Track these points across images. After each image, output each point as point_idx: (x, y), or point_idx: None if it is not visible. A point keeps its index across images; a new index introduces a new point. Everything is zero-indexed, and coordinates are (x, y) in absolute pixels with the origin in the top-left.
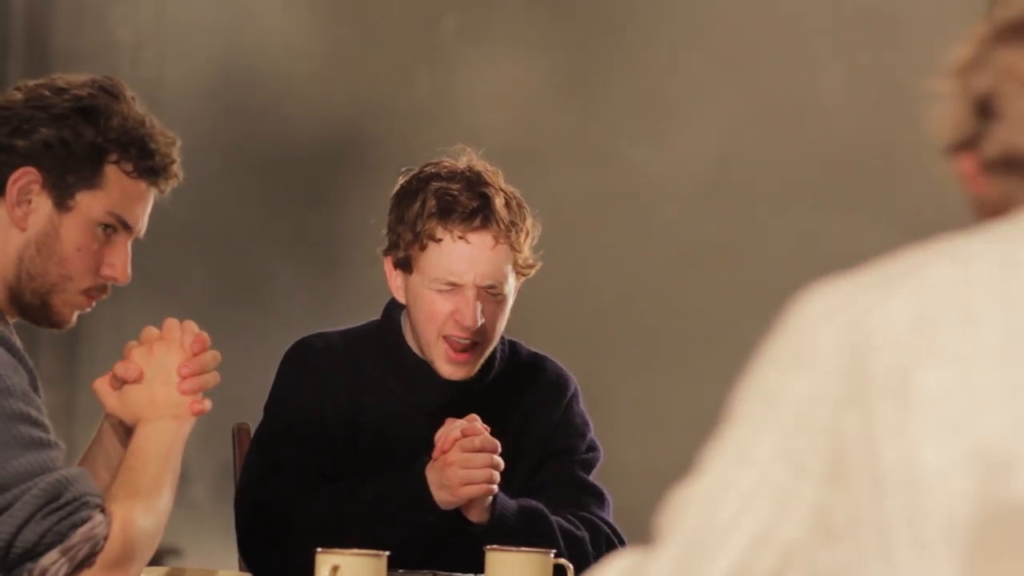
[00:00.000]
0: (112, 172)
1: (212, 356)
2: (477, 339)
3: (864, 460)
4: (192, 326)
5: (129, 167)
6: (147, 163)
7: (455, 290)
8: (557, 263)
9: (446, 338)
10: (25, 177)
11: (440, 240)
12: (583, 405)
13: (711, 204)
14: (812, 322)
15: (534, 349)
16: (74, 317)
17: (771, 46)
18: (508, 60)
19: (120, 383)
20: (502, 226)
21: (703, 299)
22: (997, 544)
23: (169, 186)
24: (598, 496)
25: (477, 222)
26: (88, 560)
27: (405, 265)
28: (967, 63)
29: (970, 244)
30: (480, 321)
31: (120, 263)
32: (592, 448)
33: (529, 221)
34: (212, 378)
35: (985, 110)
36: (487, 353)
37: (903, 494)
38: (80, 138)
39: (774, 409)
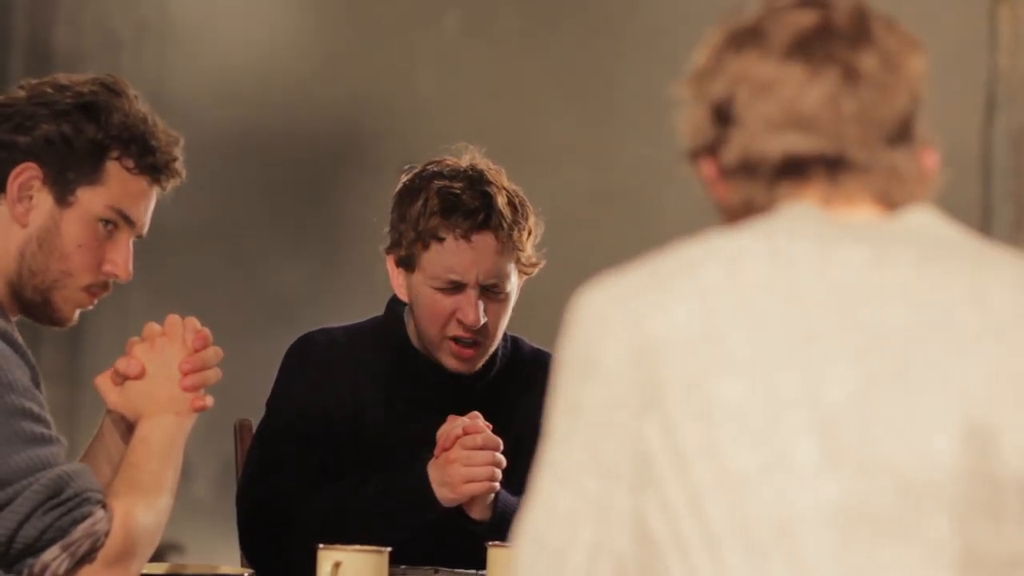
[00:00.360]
0: (113, 168)
1: (214, 352)
2: (480, 338)
3: (674, 473)
4: (194, 322)
5: (130, 163)
6: (148, 160)
7: (457, 289)
8: (559, 260)
9: (451, 339)
10: (26, 173)
11: (443, 239)
12: None
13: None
14: (594, 328)
15: (537, 346)
16: (76, 315)
17: None
18: (509, 58)
19: (122, 379)
20: (504, 225)
21: None
22: (849, 537)
23: (171, 184)
24: None
25: (479, 221)
26: (89, 556)
27: (407, 263)
28: (703, 69)
29: (738, 241)
30: (483, 320)
31: (121, 260)
32: None
33: (531, 220)
34: (214, 374)
35: (722, 115)
36: (491, 350)
37: (724, 506)
38: (81, 134)
39: (578, 421)
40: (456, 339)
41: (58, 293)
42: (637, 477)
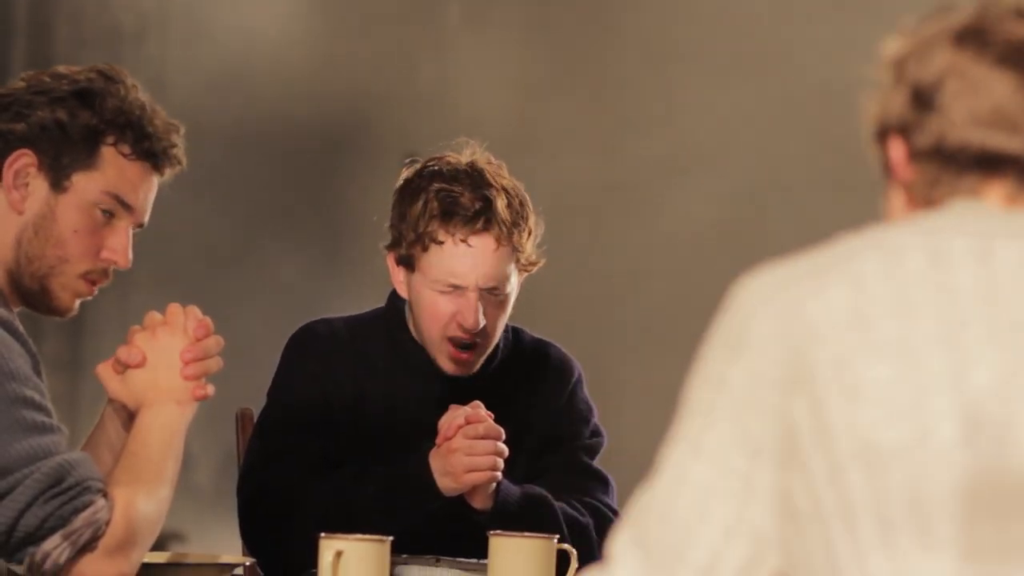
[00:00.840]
0: (109, 153)
1: (215, 341)
2: (478, 339)
3: (819, 448)
4: (195, 311)
5: (126, 149)
6: (145, 145)
7: (457, 292)
8: (561, 251)
9: (449, 339)
10: (21, 160)
11: (442, 243)
12: (587, 391)
13: (715, 191)
14: (749, 309)
15: (538, 335)
16: (75, 304)
17: (775, 31)
18: (510, 48)
19: (123, 368)
20: (504, 228)
21: (707, 286)
22: (979, 512)
23: (171, 171)
24: (602, 481)
25: (479, 225)
26: (90, 545)
27: (407, 263)
28: (908, 54)
29: (899, 235)
30: (482, 323)
31: (120, 247)
32: (596, 434)
33: (532, 220)
34: (215, 363)
35: (923, 100)
36: (488, 351)
37: (863, 478)
38: (76, 120)
39: (721, 396)
40: (454, 339)
41: (55, 280)
42: (782, 454)
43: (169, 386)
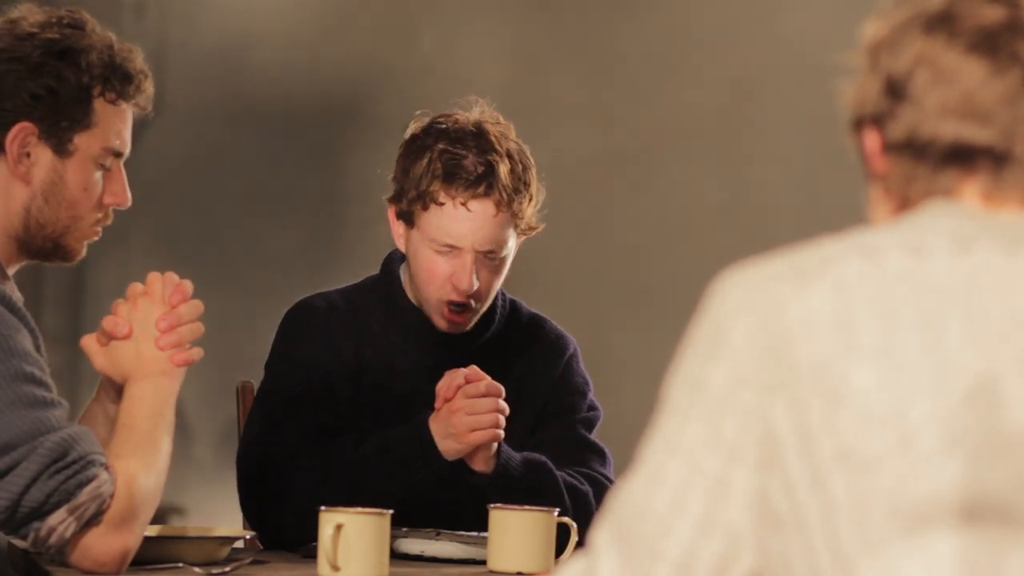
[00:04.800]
0: (99, 105)
1: (191, 307)
2: (472, 300)
3: (800, 452)
4: (172, 276)
5: (113, 96)
6: (129, 89)
7: (454, 252)
8: (560, 222)
9: (444, 301)
10: (22, 132)
11: (442, 204)
12: (583, 365)
13: (715, 162)
14: (729, 309)
15: (534, 310)
16: (84, 248)
17: (778, 2)
18: (511, 18)
19: (108, 339)
20: (505, 194)
21: (707, 258)
22: (964, 521)
23: (147, 101)
24: (600, 453)
25: (481, 190)
26: (95, 519)
27: (407, 219)
28: (881, 41)
29: (881, 240)
30: (476, 285)
31: (120, 189)
32: (592, 408)
33: (534, 186)
34: (191, 330)
35: (896, 90)
36: (483, 311)
37: (845, 485)
38: (65, 82)
39: (698, 395)
40: (449, 302)
41: (70, 236)
42: (761, 456)
43: (153, 357)
